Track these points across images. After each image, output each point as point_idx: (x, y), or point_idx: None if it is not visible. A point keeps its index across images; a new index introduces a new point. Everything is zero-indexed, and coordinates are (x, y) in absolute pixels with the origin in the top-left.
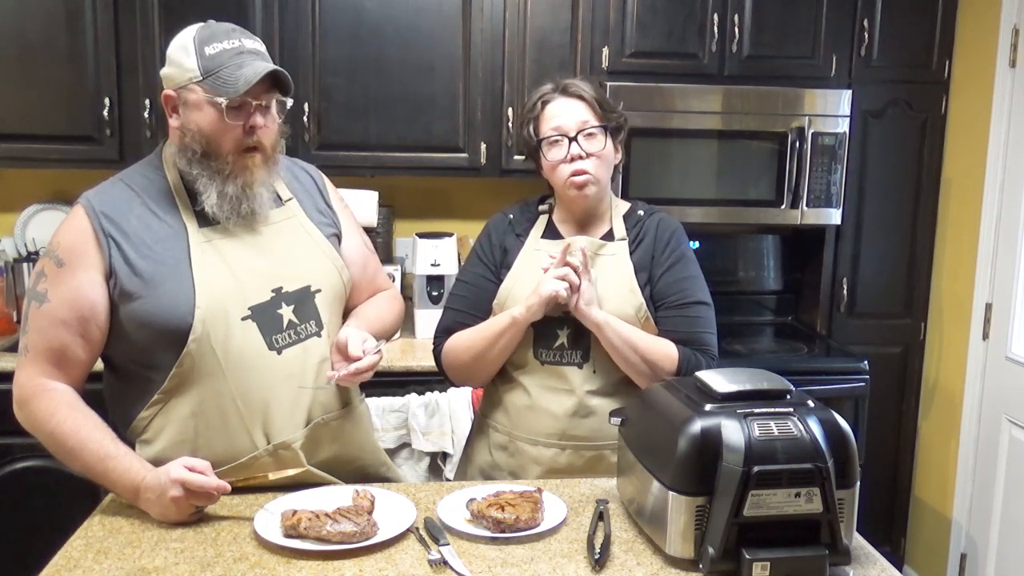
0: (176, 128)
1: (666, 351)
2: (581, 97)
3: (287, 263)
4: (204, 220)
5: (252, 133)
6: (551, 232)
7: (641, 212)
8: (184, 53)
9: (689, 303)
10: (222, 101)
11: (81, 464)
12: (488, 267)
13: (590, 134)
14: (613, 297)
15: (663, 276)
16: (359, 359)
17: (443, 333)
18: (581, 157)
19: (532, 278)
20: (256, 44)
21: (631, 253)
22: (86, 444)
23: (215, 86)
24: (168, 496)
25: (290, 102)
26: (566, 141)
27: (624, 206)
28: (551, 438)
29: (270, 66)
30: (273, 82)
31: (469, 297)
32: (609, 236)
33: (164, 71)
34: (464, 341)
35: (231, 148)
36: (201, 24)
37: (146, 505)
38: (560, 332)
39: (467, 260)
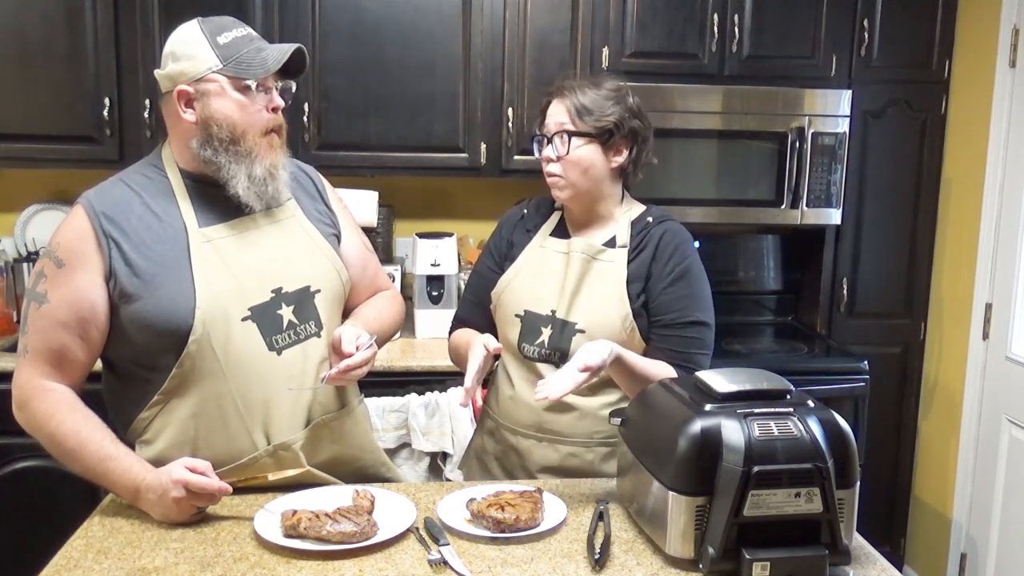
0: (194, 123)
1: (668, 375)
2: (563, 99)
3: (287, 263)
4: (204, 220)
5: (275, 113)
6: (560, 230)
7: (650, 219)
8: (196, 46)
9: (687, 323)
10: (251, 83)
11: (81, 465)
12: (494, 259)
13: (560, 137)
14: (600, 304)
15: (663, 292)
16: (351, 351)
17: (455, 320)
18: (550, 159)
19: (532, 273)
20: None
21: (629, 262)
22: (86, 445)
23: (239, 71)
24: (169, 497)
25: (294, 87)
26: (545, 141)
27: (637, 210)
28: (529, 429)
29: (294, 45)
30: (282, 68)
31: (476, 288)
32: (612, 242)
33: (170, 68)
34: (456, 344)
35: (258, 130)
36: (198, 19)
37: (147, 506)
38: (544, 330)
39: (482, 252)
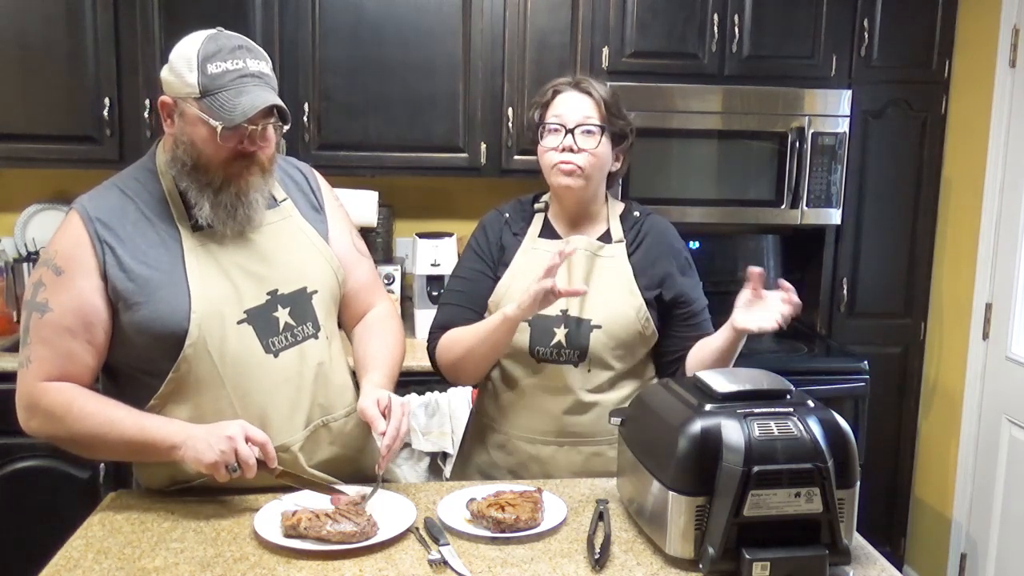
0: (170, 135)
1: None
2: (590, 94)
3: (282, 265)
4: (198, 225)
5: (245, 154)
6: (548, 231)
7: (637, 213)
8: (186, 66)
9: (703, 308)
10: (217, 125)
11: (116, 437)
12: (486, 263)
13: (588, 131)
14: (614, 298)
15: (681, 282)
16: (383, 430)
17: (438, 329)
18: (572, 150)
19: (529, 277)
20: (261, 65)
21: (629, 255)
22: (115, 418)
23: (212, 108)
24: (225, 432)
25: (286, 127)
26: (563, 131)
27: (619, 207)
28: (548, 435)
29: (271, 99)
30: (272, 108)
31: (466, 292)
32: (606, 237)
33: (164, 75)
34: (457, 337)
35: (221, 164)
36: (209, 35)
37: (192, 442)
38: (557, 330)
39: (463, 256)
